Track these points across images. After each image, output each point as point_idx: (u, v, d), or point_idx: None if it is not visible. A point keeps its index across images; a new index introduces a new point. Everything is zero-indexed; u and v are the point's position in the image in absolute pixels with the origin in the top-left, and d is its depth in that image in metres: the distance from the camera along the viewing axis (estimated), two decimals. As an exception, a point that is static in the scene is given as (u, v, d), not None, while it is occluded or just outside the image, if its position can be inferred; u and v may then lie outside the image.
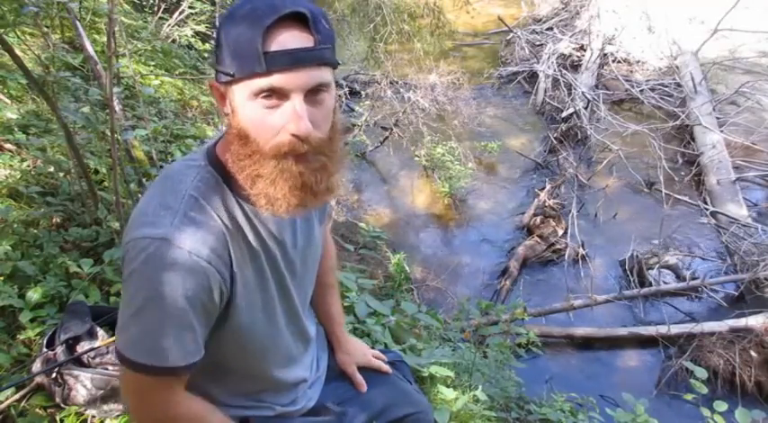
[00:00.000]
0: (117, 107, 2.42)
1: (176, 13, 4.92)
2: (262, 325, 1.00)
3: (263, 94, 0.80)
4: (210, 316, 0.89)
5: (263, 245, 0.95)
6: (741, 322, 3.69)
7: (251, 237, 0.92)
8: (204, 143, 1.01)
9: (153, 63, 4.22)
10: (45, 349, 1.53)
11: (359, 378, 1.28)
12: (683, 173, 5.55)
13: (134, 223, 0.86)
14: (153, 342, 0.84)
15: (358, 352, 1.32)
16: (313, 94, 0.82)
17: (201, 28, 5.04)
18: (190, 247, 0.83)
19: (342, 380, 1.28)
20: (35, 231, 2.10)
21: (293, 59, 0.78)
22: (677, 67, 6.91)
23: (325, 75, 0.82)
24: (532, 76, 7.28)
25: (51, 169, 2.44)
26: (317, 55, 0.80)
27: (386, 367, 1.33)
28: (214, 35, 0.84)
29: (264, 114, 0.81)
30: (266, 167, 0.83)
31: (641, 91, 6.64)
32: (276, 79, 0.78)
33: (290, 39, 0.78)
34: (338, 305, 1.37)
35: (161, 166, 2.62)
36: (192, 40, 4.96)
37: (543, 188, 5.24)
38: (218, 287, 0.87)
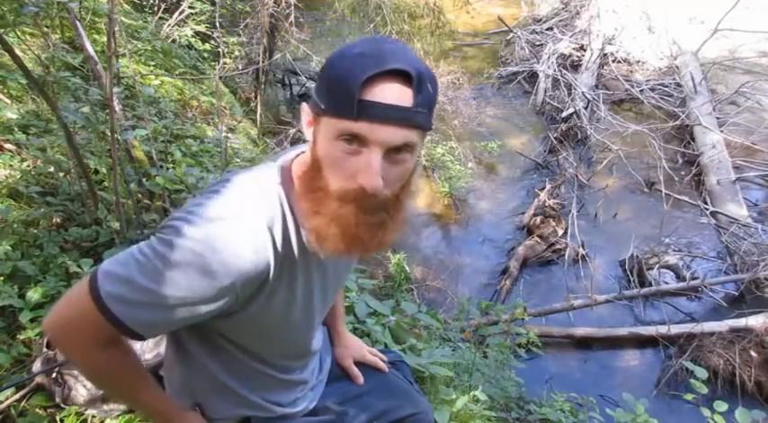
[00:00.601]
0: (117, 107, 2.42)
1: (176, 13, 4.92)
2: (277, 335, 1.00)
3: (346, 138, 0.79)
4: (205, 317, 0.87)
5: (307, 269, 0.95)
6: (741, 322, 3.69)
7: (299, 259, 0.92)
8: (279, 153, 0.99)
9: (153, 63, 4.22)
10: (45, 349, 1.53)
11: (355, 371, 1.29)
12: (683, 173, 5.55)
13: (192, 207, 0.85)
14: (132, 295, 0.82)
15: (355, 347, 1.34)
16: (394, 152, 0.80)
17: (201, 28, 5.04)
18: (220, 258, 0.81)
19: (342, 380, 1.29)
20: (35, 231, 2.10)
21: (385, 114, 0.77)
22: (677, 67, 6.91)
23: (411, 136, 0.80)
24: (532, 76, 7.28)
25: (51, 169, 2.43)
26: (410, 117, 0.78)
27: (382, 364, 1.34)
28: (318, 75, 0.85)
29: (342, 156, 0.80)
30: (327, 207, 0.83)
31: (641, 91, 6.65)
32: (361, 127, 0.77)
33: (389, 93, 0.77)
34: (342, 301, 1.39)
35: (161, 166, 2.62)
36: (192, 40, 4.96)
37: (543, 188, 5.25)
38: (230, 302, 0.86)
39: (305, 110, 0.87)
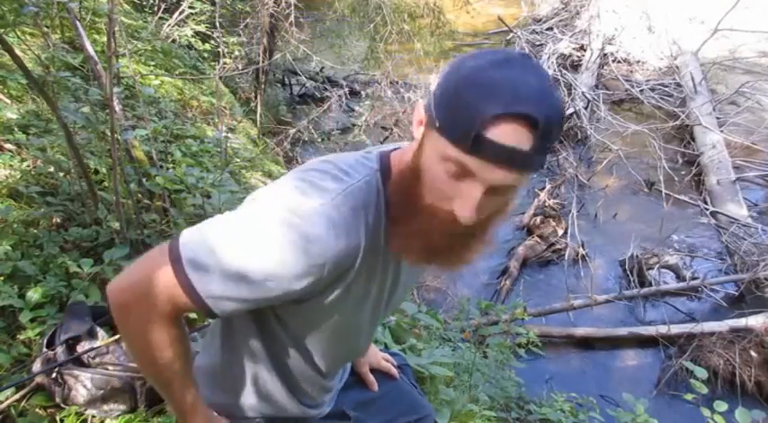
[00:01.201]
0: (117, 107, 2.42)
1: (176, 13, 4.92)
2: (327, 336, 0.98)
3: (453, 163, 0.74)
4: (285, 297, 0.82)
5: (385, 267, 0.92)
6: (741, 322, 3.69)
7: (381, 254, 0.88)
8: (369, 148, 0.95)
9: (153, 63, 4.22)
10: (45, 349, 1.53)
11: (370, 378, 1.29)
12: (683, 173, 5.56)
13: (284, 184, 0.82)
14: (215, 265, 0.77)
15: (370, 353, 1.33)
16: (497, 188, 0.76)
17: (201, 28, 5.04)
18: (321, 233, 0.77)
19: (356, 385, 1.30)
20: (35, 231, 2.10)
21: (500, 156, 0.71)
22: (677, 67, 6.91)
23: (521, 179, 0.76)
24: (532, 76, 7.28)
25: (51, 169, 2.43)
26: (527, 161, 0.73)
27: (394, 371, 1.35)
28: (442, 76, 0.78)
29: (443, 178, 0.76)
30: (415, 217, 0.80)
31: (641, 91, 6.65)
32: (472, 163, 0.72)
33: (510, 135, 0.70)
34: None
35: (161, 166, 2.62)
36: (192, 40, 4.96)
37: (543, 188, 5.25)
38: (316, 284, 0.81)
39: (418, 108, 0.82)
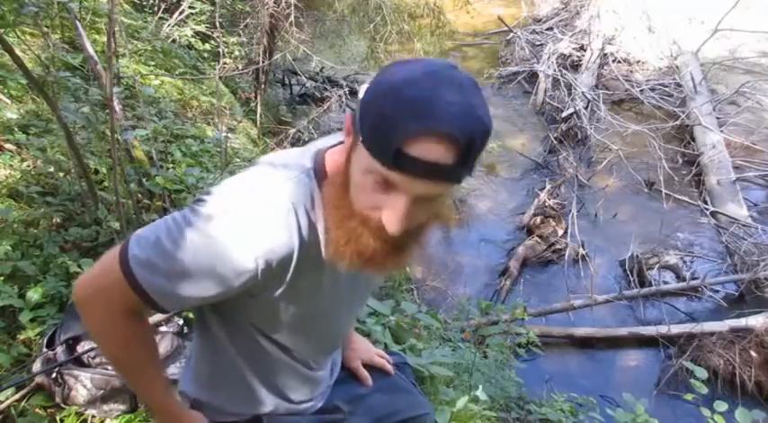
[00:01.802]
0: (117, 107, 2.42)
1: (176, 13, 4.92)
2: (292, 330, 0.99)
3: (378, 176, 0.75)
4: (224, 294, 0.86)
5: (332, 268, 0.91)
6: (741, 322, 3.69)
7: (324, 249, 0.89)
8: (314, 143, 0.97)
9: (153, 63, 4.22)
10: (45, 349, 1.53)
11: (363, 372, 1.29)
12: (683, 173, 5.56)
13: (226, 185, 0.85)
14: (158, 261, 0.81)
15: (363, 349, 1.33)
16: (423, 199, 0.77)
17: (201, 28, 5.04)
18: (246, 239, 0.80)
19: (348, 380, 1.29)
20: (35, 231, 2.10)
21: (421, 171, 0.72)
22: (677, 67, 6.91)
23: (446, 190, 0.77)
24: (532, 76, 7.28)
25: (51, 169, 2.44)
26: (450, 175, 0.73)
27: (389, 367, 1.34)
28: (367, 89, 0.77)
29: (370, 188, 0.77)
30: (347, 225, 0.81)
31: (641, 91, 6.65)
32: (394, 176, 0.73)
33: (431, 151, 0.70)
34: None
35: (161, 166, 2.62)
36: (192, 40, 4.96)
37: (543, 188, 5.24)
38: (251, 282, 0.84)
39: (347, 117, 0.83)
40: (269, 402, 1.07)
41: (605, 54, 7.46)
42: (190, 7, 4.93)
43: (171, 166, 2.93)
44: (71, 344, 1.52)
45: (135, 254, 0.82)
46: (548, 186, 5.24)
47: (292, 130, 5.13)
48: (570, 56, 7.51)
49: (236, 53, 5.18)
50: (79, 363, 1.50)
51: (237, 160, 3.43)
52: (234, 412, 1.07)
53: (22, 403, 1.52)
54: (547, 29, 8.30)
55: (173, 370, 1.59)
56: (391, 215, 0.76)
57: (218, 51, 4.33)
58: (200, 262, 0.81)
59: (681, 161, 5.76)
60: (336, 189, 0.83)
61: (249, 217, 0.81)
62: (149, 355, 0.97)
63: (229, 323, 0.98)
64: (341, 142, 0.91)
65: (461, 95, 0.72)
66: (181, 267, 0.81)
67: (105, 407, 1.52)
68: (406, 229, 0.79)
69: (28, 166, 2.47)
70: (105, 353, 0.96)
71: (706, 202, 5.03)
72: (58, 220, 2.23)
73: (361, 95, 0.78)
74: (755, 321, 3.67)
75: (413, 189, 0.74)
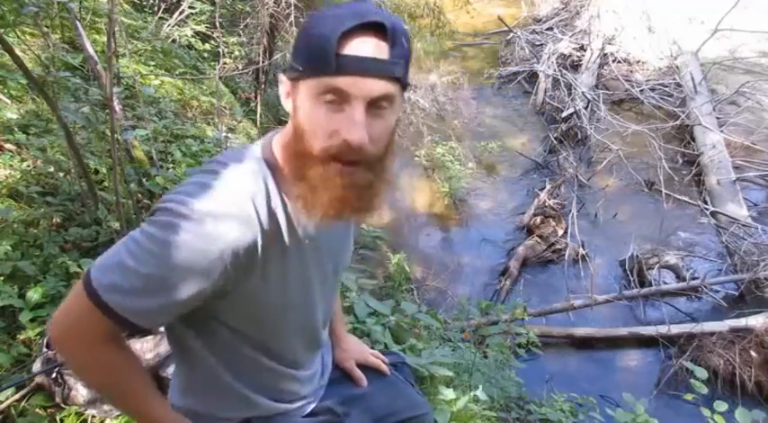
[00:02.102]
0: (117, 107, 2.42)
1: (176, 13, 4.92)
2: (273, 324, 0.99)
3: (327, 95, 0.80)
4: (199, 297, 0.86)
5: (298, 245, 0.94)
6: (741, 322, 3.69)
7: (286, 235, 0.91)
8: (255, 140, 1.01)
9: (153, 63, 4.22)
10: (45, 349, 1.53)
11: (357, 373, 1.28)
12: (683, 173, 5.55)
13: (176, 193, 0.85)
14: (124, 282, 0.82)
15: (356, 349, 1.33)
16: (375, 106, 0.81)
17: (201, 28, 5.04)
18: (208, 231, 0.81)
19: (343, 381, 1.28)
20: (35, 231, 2.10)
21: (363, 67, 0.78)
22: (677, 67, 6.91)
23: (391, 89, 0.82)
24: (532, 76, 7.28)
25: (51, 169, 2.44)
26: (388, 68, 0.80)
27: (384, 367, 1.33)
28: (297, 33, 0.86)
29: (323, 115, 0.81)
30: (312, 171, 0.83)
31: (641, 91, 6.65)
32: (342, 82, 0.78)
33: (366, 46, 0.78)
34: (340, 302, 1.37)
35: (161, 166, 2.62)
36: (192, 40, 4.96)
37: (543, 188, 5.24)
38: (222, 278, 0.85)
39: (282, 81, 0.88)
40: (257, 405, 1.07)
41: (605, 54, 7.46)
42: (190, 7, 4.93)
43: (171, 166, 2.93)
44: (71, 344, 1.52)
45: (100, 281, 0.82)
46: (548, 186, 5.24)
47: (292, 130, 5.12)
48: (570, 56, 7.51)
49: (236, 53, 5.18)
50: (79, 363, 1.50)
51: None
52: (224, 417, 1.07)
53: (22, 403, 1.52)
54: (547, 29, 8.30)
55: (172, 369, 1.58)
56: (351, 126, 0.79)
57: (218, 51, 4.33)
58: (169, 271, 0.81)
59: (681, 161, 5.76)
60: (292, 141, 0.85)
61: (208, 214, 0.82)
62: (137, 377, 0.95)
63: (204, 334, 0.98)
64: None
65: (370, 5, 0.82)
66: (151, 282, 0.82)
67: (105, 407, 1.52)
68: (368, 155, 0.82)
69: (28, 166, 2.47)
70: (92, 386, 0.96)
71: (706, 202, 5.03)
72: (58, 220, 2.23)
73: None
74: (755, 321, 3.67)
75: (362, 90, 0.79)
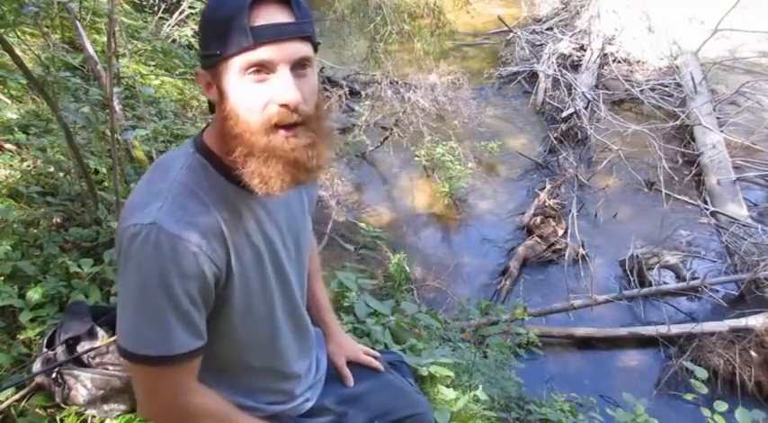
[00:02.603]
0: (117, 107, 2.42)
1: (176, 13, 4.92)
2: (259, 314, 0.99)
3: (252, 69, 0.82)
4: (207, 299, 0.89)
5: (261, 229, 0.95)
6: (741, 322, 3.68)
7: (247, 221, 0.93)
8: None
9: (153, 63, 4.22)
10: (45, 349, 1.53)
11: (346, 371, 1.28)
12: (683, 173, 5.55)
13: (125, 213, 0.87)
14: (151, 330, 0.84)
15: (349, 345, 1.32)
16: (298, 67, 0.85)
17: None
18: (179, 232, 0.83)
19: (339, 379, 1.28)
20: (35, 231, 2.10)
21: (278, 32, 0.82)
22: (677, 67, 6.91)
23: (308, 49, 0.86)
24: (532, 76, 7.28)
25: (51, 169, 2.44)
26: (300, 29, 0.84)
27: (377, 364, 1.32)
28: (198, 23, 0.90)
29: (253, 89, 0.83)
30: (257, 145, 0.85)
31: (641, 91, 6.64)
32: (263, 52, 0.81)
33: (274, 14, 0.82)
34: (324, 291, 1.37)
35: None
36: (192, 40, 4.96)
37: (543, 188, 5.24)
38: (211, 272, 0.87)
39: (201, 74, 0.89)
40: (253, 410, 1.06)
41: (605, 54, 7.46)
42: (190, 7, 4.93)
43: (171, 166, 2.93)
44: (71, 344, 1.52)
45: (137, 347, 0.85)
46: (548, 186, 5.24)
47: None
48: (570, 56, 7.50)
49: (236, 53, 5.17)
50: (79, 363, 1.50)
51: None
52: None
53: (22, 403, 1.52)
54: (547, 29, 8.30)
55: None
56: (283, 89, 0.83)
57: (218, 51, 4.32)
58: (173, 297, 0.83)
59: (681, 161, 5.76)
60: (228, 126, 0.86)
61: (169, 222, 0.83)
62: (226, 407, 0.98)
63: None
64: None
65: None
66: (168, 316, 0.84)
67: (105, 407, 1.52)
68: (305, 114, 0.85)
69: (28, 166, 2.47)
70: None
71: (706, 202, 5.03)
72: (58, 220, 2.23)
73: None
74: (755, 321, 3.66)
75: (284, 55, 0.82)
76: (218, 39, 0.82)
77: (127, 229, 0.84)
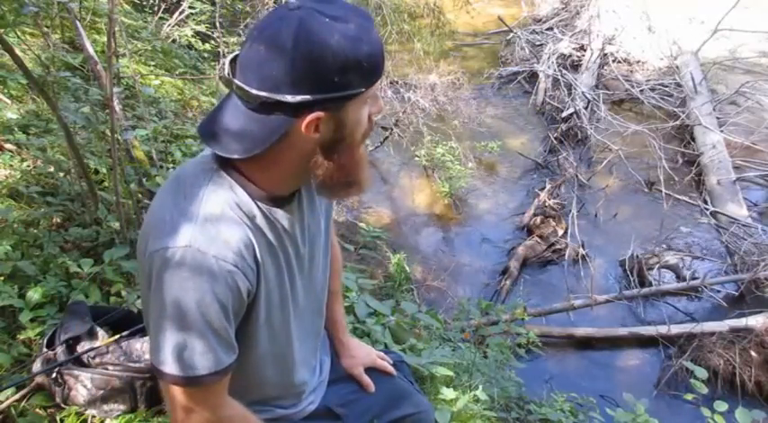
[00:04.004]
0: (117, 107, 2.42)
1: (176, 13, 4.92)
2: (277, 324, 1.00)
3: (374, 98, 0.91)
4: (239, 313, 0.91)
5: (280, 241, 0.96)
6: (741, 322, 3.68)
7: (269, 234, 0.93)
8: None
9: (153, 63, 4.22)
10: (45, 349, 1.53)
11: (366, 379, 1.29)
12: (683, 173, 5.55)
13: (154, 233, 0.86)
14: (193, 352, 0.85)
15: (363, 354, 1.33)
16: None
17: (201, 28, 5.04)
18: (215, 252, 0.83)
19: (344, 382, 1.28)
20: (35, 231, 2.10)
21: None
22: (677, 67, 6.91)
23: None
24: (532, 76, 7.28)
25: (51, 169, 2.44)
26: None
27: (390, 368, 1.34)
28: (331, 63, 0.83)
29: (366, 117, 0.91)
30: (363, 163, 0.94)
31: (641, 91, 6.64)
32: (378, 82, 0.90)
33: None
34: (342, 310, 1.38)
35: (161, 166, 2.62)
36: (192, 40, 4.96)
37: (543, 188, 5.24)
38: (245, 288, 0.88)
39: (316, 120, 0.83)
40: (257, 413, 1.06)
41: (605, 54, 7.45)
42: (190, 7, 4.93)
43: (171, 165, 2.93)
44: (71, 344, 1.52)
45: (179, 369, 0.86)
46: (548, 186, 5.24)
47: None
48: (570, 56, 7.50)
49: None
50: (79, 363, 1.50)
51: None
52: None
53: (22, 403, 1.52)
54: (547, 29, 8.29)
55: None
56: (379, 106, 0.93)
57: (219, 51, 4.33)
58: (211, 319, 0.84)
59: (681, 161, 5.75)
60: (349, 152, 0.91)
61: (204, 243, 0.83)
62: (249, 414, 0.99)
63: None
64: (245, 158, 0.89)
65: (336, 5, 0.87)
66: (208, 337, 0.85)
67: (105, 407, 1.52)
68: None
69: (28, 166, 2.47)
70: None
71: (706, 202, 5.03)
72: (58, 220, 2.23)
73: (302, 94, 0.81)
74: (755, 321, 3.67)
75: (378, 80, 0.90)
76: (367, 74, 0.85)
77: (157, 252, 0.83)
